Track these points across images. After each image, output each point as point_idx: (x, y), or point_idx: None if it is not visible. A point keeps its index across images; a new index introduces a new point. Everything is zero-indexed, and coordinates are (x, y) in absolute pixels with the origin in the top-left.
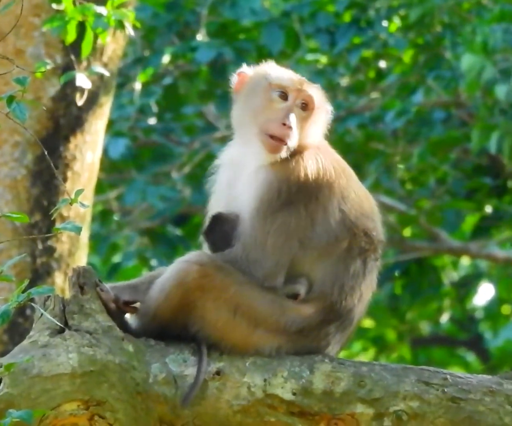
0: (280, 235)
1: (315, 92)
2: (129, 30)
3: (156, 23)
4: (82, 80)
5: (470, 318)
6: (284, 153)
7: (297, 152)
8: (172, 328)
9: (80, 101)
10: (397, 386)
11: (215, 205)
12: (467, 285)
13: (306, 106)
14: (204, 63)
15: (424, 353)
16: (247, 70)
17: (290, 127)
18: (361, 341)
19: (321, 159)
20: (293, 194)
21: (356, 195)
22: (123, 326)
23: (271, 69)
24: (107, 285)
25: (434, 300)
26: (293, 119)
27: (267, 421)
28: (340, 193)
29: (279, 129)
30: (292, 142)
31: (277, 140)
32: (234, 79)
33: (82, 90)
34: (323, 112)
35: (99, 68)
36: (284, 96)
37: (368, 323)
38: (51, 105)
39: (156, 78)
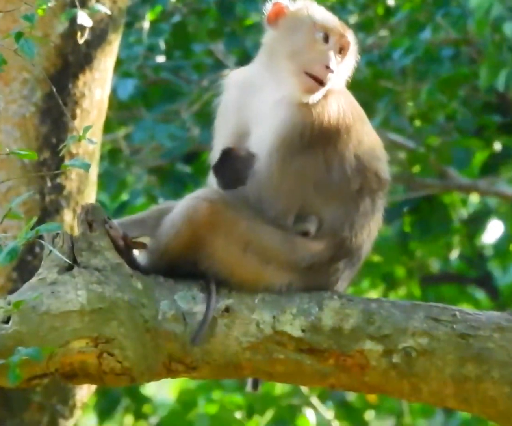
0: (296, 178)
1: (352, 38)
2: None
3: None
4: (83, 18)
5: (479, 256)
6: (318, 96)
7: (323, 96)
8: (181, 265)
9: (81, 40)
10: (406, 322)
11: (223, 129)
12: (476, 222)
13: (341, 51)
14: (212, 1)
15: (433, 290)
16: (286, 2)
17: (332, 71)
18: (369, 278)
19: (342, 104)
20: (314, 139)
21: (369, 139)
22: (132, 263)
23: (315, 9)
24: (115, 221)
25: (443, 237)
26: (334, 63)
27: (276, 358)
28: (356, 138)
29: (322, 71)
30: (330, 85)
31: (316, 81)
32: (268, 7)
33: (84, 28)
34: (353, 58)
35: (100, 6)
36: (326, 38)
37: (377, 258)
38: (60, 42)
39: (165, 16)
